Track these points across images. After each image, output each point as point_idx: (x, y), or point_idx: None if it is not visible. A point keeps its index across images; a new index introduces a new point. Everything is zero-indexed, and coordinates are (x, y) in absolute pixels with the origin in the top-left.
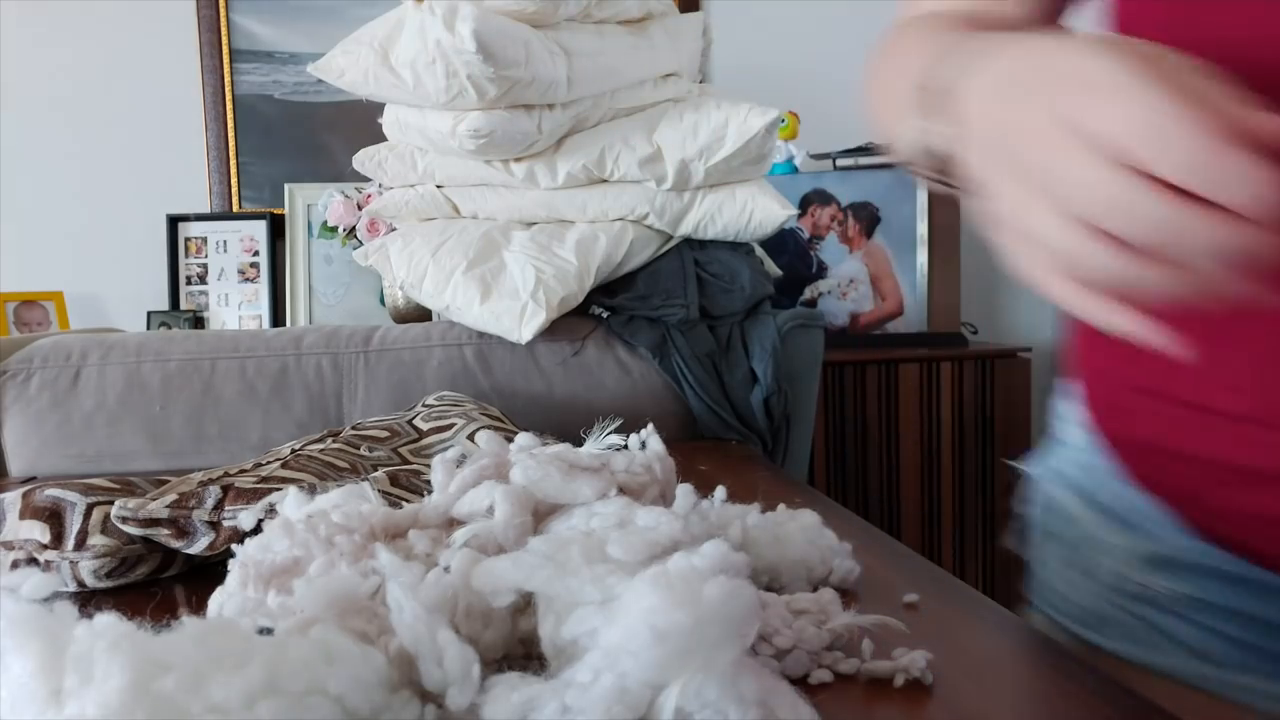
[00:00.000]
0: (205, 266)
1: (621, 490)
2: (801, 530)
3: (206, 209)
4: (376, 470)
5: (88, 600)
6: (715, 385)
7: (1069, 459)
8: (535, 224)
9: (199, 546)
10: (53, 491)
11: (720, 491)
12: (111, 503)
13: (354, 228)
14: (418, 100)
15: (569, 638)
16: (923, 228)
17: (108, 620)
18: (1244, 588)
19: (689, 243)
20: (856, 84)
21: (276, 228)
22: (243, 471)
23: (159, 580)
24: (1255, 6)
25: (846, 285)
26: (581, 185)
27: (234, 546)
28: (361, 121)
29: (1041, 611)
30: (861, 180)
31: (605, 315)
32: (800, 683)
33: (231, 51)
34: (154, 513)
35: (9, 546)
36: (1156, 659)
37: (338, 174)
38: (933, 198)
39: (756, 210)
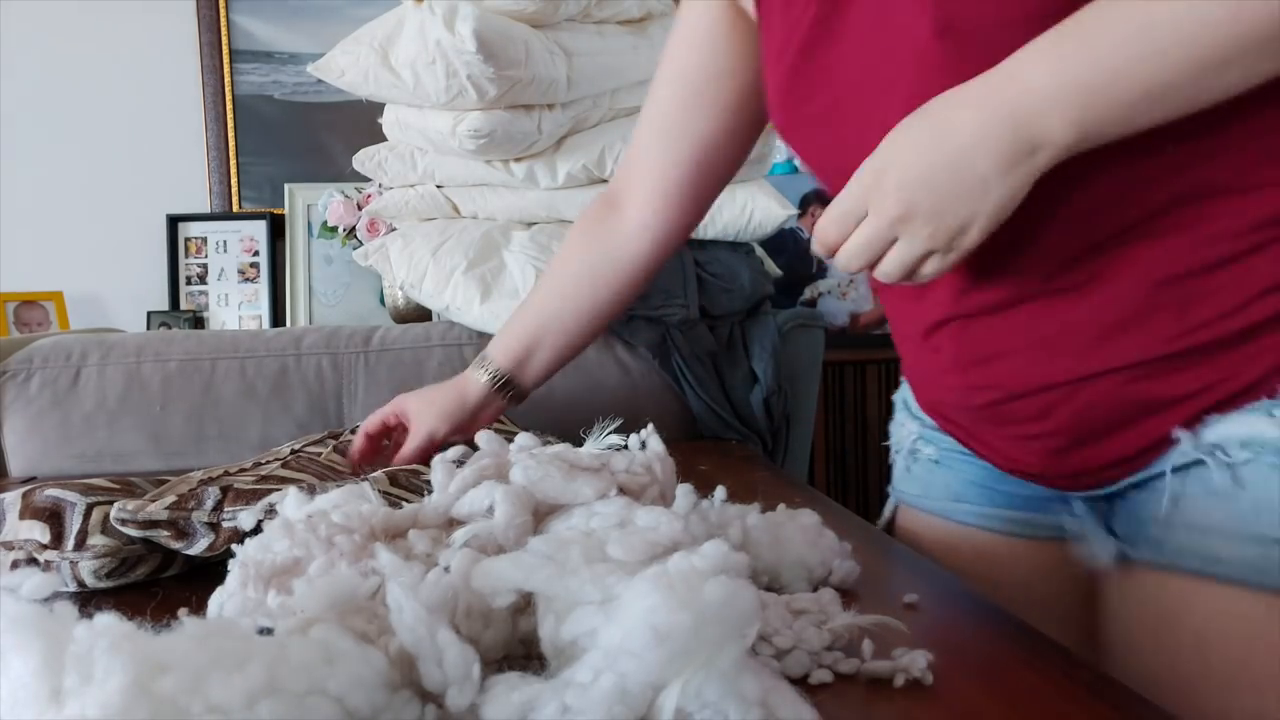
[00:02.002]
0: (205, 266)
1: (621, 490)
2: (801, 531)
3: (206, 209)
4: (376, 471)
5: (88, 600)
6: (715, 385)
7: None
8: (535, 224)
9: (199, 548)
10: (53, 491)
11: (720, 491)
12: (111, 503)
13: (354, 228)
14: (418, 100)
15: (569, 638)
16: None
17: (108, 620)
18: (958, 453)
19: (689, 242)
20: None
21: (276, 228)
22: (242, 471)
23: (159, 580)
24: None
25: (846, 285)
26: (582, 185)
27: (234, 547)
28: (361, 121)
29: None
30: None
31: None
32: (800, 683)
33: (231, 51)
34: (153, 515)
35: (9, 546)
36: (928, 503)
37: (338, 174)
38: None
39: (756, 210)
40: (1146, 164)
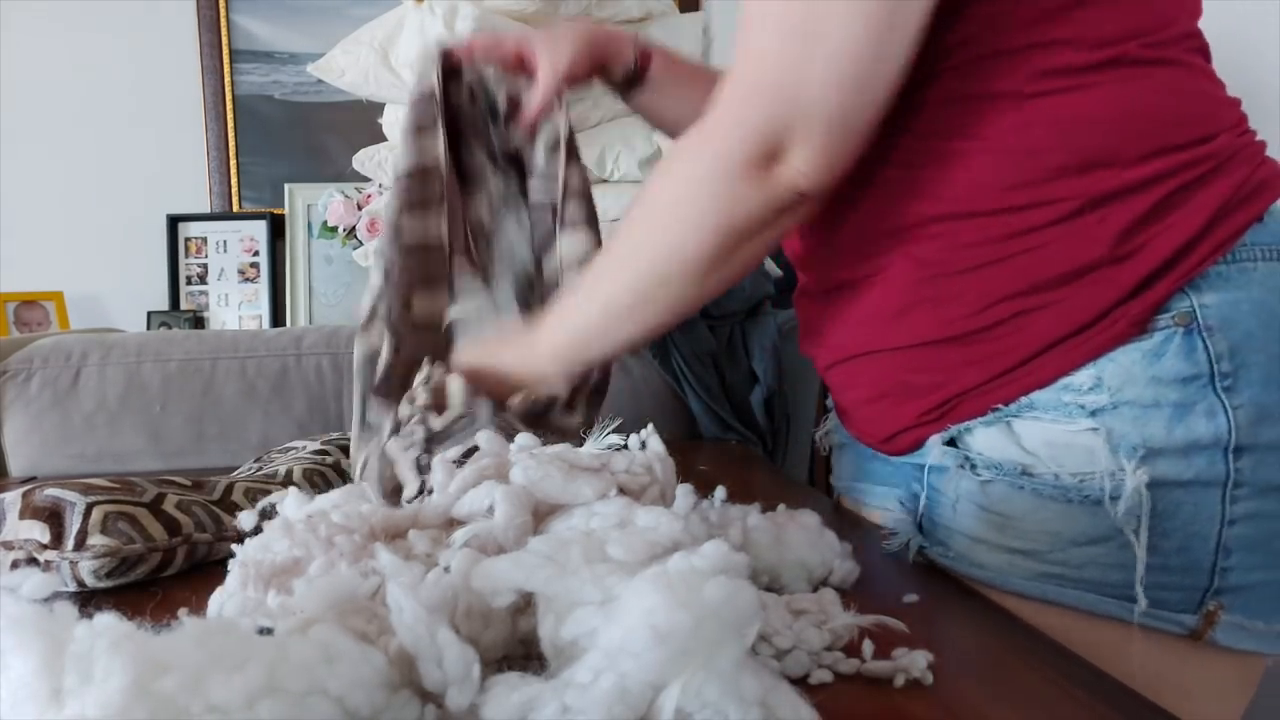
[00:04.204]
0: (205, 266)
1: (621, 490)
2: (802, 531)
3: (206, 209)
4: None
5: (88, 600)
6: (715, 385)
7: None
8: None
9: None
10: (53, 491)
11: (720, 491)
12: (111, 502)
13: (354, 228)
14: None
15: (569, 638)
16: None
17: (108, 620)
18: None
19: None
20: None
21: (276, 228)
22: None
23: (159, 580)
24: None
25: None
26: None
27: (234, 546)
28: (361, 121)
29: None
30: None
31: None
32: (800, 683)
33: (231, 51)
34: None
35: (9, 546)
36: (841, 485)
37: (338, 174)
38: None
39: None
40: (904, 189)
